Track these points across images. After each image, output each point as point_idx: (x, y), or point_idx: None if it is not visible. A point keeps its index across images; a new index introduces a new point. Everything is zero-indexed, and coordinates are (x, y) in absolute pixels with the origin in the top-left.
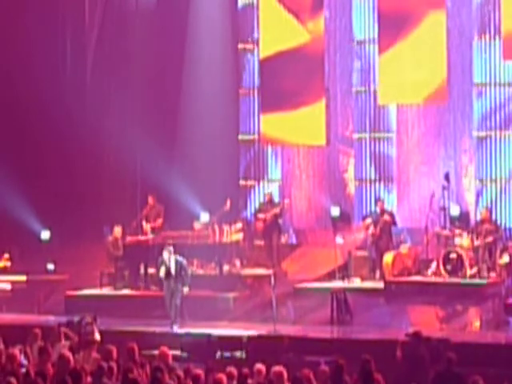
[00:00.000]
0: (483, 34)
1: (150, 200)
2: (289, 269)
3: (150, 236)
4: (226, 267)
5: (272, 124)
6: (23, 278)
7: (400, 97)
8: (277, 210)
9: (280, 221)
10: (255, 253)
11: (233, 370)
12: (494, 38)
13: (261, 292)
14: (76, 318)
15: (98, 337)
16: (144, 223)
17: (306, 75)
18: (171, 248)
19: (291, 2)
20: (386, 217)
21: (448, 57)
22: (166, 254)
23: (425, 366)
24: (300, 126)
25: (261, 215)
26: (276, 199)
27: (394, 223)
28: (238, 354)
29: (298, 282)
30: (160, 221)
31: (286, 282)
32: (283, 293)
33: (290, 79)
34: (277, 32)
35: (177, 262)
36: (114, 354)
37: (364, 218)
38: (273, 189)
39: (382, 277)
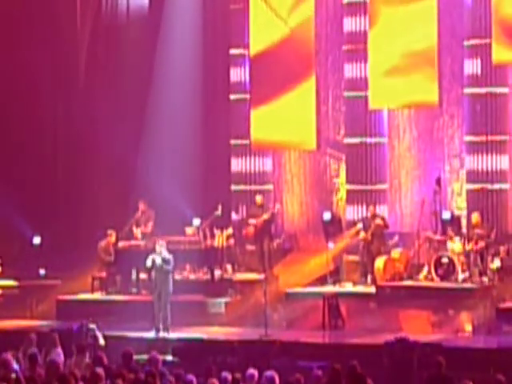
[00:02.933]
0: (474, 37)
1: (141, 205)
2: (280, 274)
3: (142, 241)
4: (217, 272)
5: (262, 128)
6: (15, 283)
7: (391, 101)
8: (266, 216)
9: (272, 226)
10: (247, 258)
11: (227, 375)
12: (485, 42)
13: (252, 297)
14: (75, 325)
15: (102, 341)
16: (134, 228)
17: (294, 60)
18: (164, 243)
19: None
20: (378, 220)
21: (439, 59)
22: (158, 247)
23: (412, 371)
24: (291, 130)
25: (252, 220)
26: (267, 204)
27: (387, 226)
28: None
29: (289, 287)
30: (151, 226)
31: (277, 287)
32: (275, 298)
33: (278, 67)
34: (265, 33)
35: (164, 258)
36: (105, 360)
37: (355, 223)
38: (264, 194)
39: (374, 281)
